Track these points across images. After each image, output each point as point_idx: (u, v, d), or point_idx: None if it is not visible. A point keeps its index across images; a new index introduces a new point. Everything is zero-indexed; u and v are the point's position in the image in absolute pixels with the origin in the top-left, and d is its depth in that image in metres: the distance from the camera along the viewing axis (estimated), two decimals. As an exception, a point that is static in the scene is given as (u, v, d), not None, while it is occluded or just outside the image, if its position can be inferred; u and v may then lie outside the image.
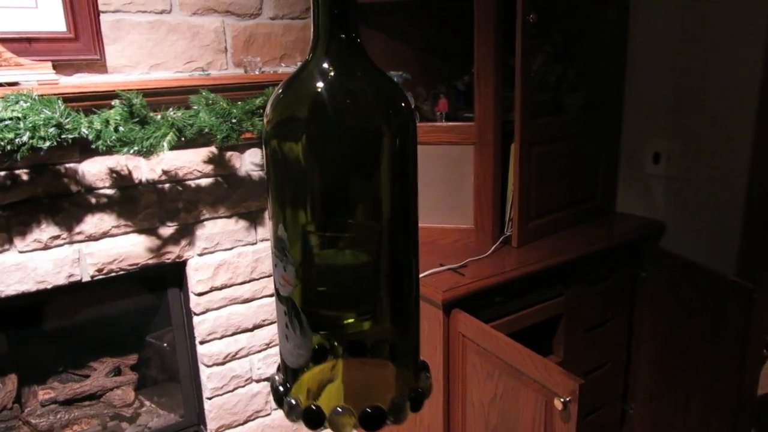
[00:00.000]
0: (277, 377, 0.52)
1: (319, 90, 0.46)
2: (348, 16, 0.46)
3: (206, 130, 1.47)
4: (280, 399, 0.50)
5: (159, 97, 1.47)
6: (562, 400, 1.27)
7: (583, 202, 2.02)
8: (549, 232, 1.90)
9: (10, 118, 1.25)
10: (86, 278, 1.64)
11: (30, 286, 1.56)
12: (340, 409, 0.47)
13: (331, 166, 0.47)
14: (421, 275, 1.63)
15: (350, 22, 0.47)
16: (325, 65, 0.46)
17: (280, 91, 0.47)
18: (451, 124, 1.79)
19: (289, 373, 0.51)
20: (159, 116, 1.42)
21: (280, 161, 0.47)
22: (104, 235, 1.63)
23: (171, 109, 1.44)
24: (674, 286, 1.90)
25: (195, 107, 1.47)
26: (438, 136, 1.79)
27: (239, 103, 1.53)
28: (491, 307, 1.65)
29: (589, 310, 1.89)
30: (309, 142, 0.45)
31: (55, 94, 1.32)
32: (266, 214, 1.83)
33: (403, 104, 0.48)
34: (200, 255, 1.80)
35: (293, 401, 0.49)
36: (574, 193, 1.98)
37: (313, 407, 0.47)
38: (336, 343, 0.50)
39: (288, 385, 0.51)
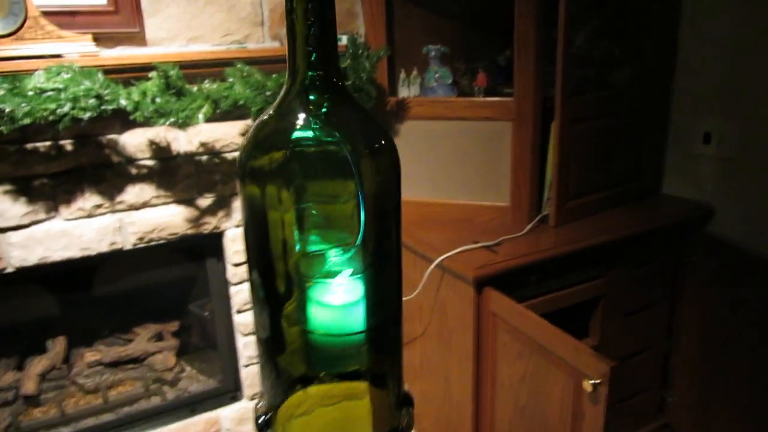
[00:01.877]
0: (258, 405, 0.51)
1: (299, 131, 0.44)
2: (329, 57, 0.44)
3: (241, 102, 1.48)
4: None
5: (195, 69, 1.49)
6: (591, 382, 1.24)
7: (626, 182, 1.95)
8: (589, 213, 1.84)
9: (52, 89, 1.29)
10: (128, 246, 1.70)
11: (75, 253, 1.63)
12: None
13: (313, 210, 0.45)
14: (453, 252, 1.62)
15: (331, 61, 0.44)
16: (304, 105, 0.44)
17: (260, 129, 0.45)
18: (489, 99, 1.75)
19: (269, 403, 0.49)
20: (195, 88, 1.44)
21: (257, 204, 0.45)
22: (144, 205, 1.68)
23: (207, 81, 1.46)
24: (722, 273, 1.81)
25: (230, 80, 1.49)
26: (475, 112, 1.75)
27: (274, 75, 1.54)
28: (526, 286, 1.62)
29: (630, 294, 1.83)
30: (290, 186, 0.43)
31: (95, 66, 1.35)
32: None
33: (383, 142, 0.45)
34: (237, 226, 1.83)
35: None
36: (617, 172, 1.91)
37: None
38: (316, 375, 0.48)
39: (268, 416, 0.49)
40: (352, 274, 0.46)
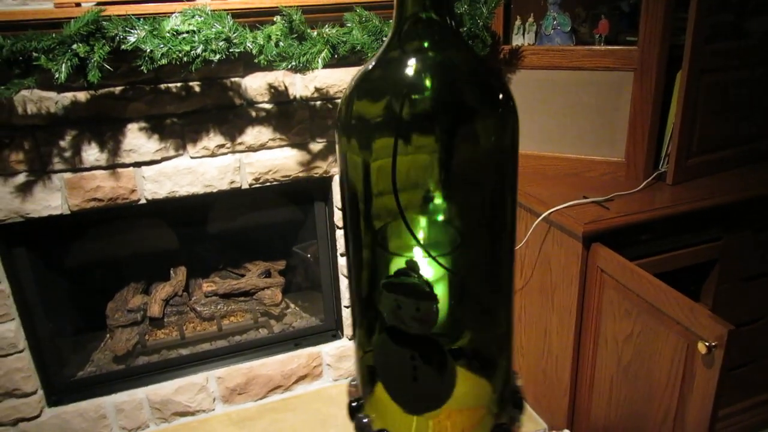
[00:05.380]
0: (365, 420, 0.47)
1: (411, 79, 0.38)
2: None
3: (358, 47, 1.50)
4: None
5: (317, 14, 1.52)
6: (707, 344, 1.20)
7: (756, 140, 1.81)
8: (710, 171, 1.74)
9: (187, 31, 1.36)
10: (245, 185, 1.80)
11: (198, 189, 1.75)
12: None
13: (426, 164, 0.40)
14: (561, 206, 1.59)
15: (446, 2, 0.38)
16: (415, 52, 0.39)
17: (365, 76, 0.40)
18: (609, 47, 1.67)
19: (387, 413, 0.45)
20: (315, 33, 1.47)
21: (356, 159, 0.40)
22: (261, 146, 1.77)
23: (327, 26, 1.49)
24: None
25: (348, 24, 1.51)
26: (594, 61, 1.68)
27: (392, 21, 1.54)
28: (636, 245, 1.57)
29: (750, 259, 1.73)
30: (396, 137, 0.39)
31: (225, 10, 1.42)
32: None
33: (501, 96, 0.40)
34: (345, 172, 1.88)
35: None
36: (747, 129, 1.78)
37: None
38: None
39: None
40: (449, 247, 0.42)
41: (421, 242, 0.42)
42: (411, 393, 0.43)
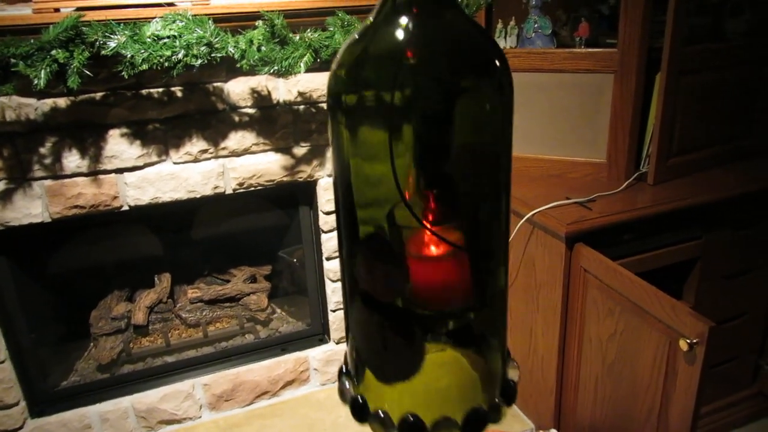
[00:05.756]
0: (347, 384, 0.47)
1: (403, 42, 0.38)
2: None
3: (340, 51, 1.50)
4: (363, 416, 0.45)
5: (299, 18, 1.53)
6: (688, 341, 1.22)
7: (734, 139, 1.84)
8: (690, 171, 1.77)
9: (168, 36, 1.36)
10: (229, 191, 1.79)
11: (182, 195, 1.74)
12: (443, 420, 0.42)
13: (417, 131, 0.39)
14: (545, 207, 1.60)
15: None
16: (407, 13, 0.38)
17: (357, 42, 0.39)
18: (590, 50, 1.69)
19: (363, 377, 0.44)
20: (297, 37, 1.48)
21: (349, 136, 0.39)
22: (245, 151, 1.76)
23: (309, 30, 1.49)
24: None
25: (331, 29, 1.51)
26: (575, 64, 1.70)
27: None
28: (619, 244, 1.59)
29: (730, 257, 1.75)
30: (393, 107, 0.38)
31: (206, 14, 1.41)
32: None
33: (497, 61, 0.39)
34: (330, 175, 1.89)
35: (382, 415, 0.43)
36: (725, 129, 1.81)
37: (411, 418, 0.42)
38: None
39: (363, 399, 0.44)
40: (451, 223, 0.42)
41: (419, 216, 0.41)
42: (381, 361, 0.43)
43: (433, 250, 0.42)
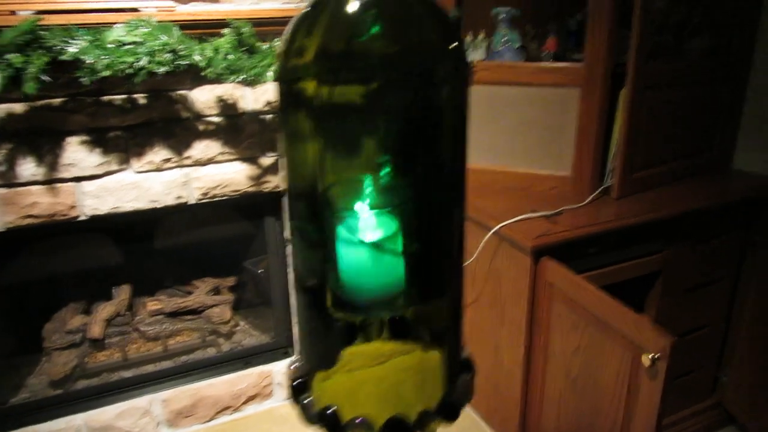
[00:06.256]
0: (293, 366, 0.47)
1: (356, 19, 0.37)
2: None
3: (309, 61, 1.49)
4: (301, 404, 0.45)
5: (267, 27, 1.50)
6: (650, 356, 1.23)
7: (695, 155, 1.89)
8: (654, 185, 1.80)
9: (131, 43, 1.32)
10: (192, 201, 1.75)
11: (144, 205, 1.69)
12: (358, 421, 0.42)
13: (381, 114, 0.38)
14: (511, 221, 1.61)
15: None
16: None
17: (308, 17, 0.38)
18: (556, 65, 1.71)
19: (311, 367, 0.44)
20: (265, 46, 1.45)
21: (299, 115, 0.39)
22: (210, 161, 1.72)
23: (277, 39, 1.47)
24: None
25: (299, 38, 1.49)
26: (541, 78, 1.71)
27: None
28: (584, 258, 1.60)
29: (690, 270, 1.79)
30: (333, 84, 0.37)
31: (171, 21, 1.38)
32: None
33: (454, 44, 0.40)
34: (296, 186, 1.86)
35: (308, 402, 0.44)
36: (687, 144, 1.85)
37: (329, 412, 0.42)
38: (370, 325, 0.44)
39: (306, 386, 0.44)
40: (390, 206, 0.41)
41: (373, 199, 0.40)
42: (310, 345, 0.44)
43: (367, 235, 0.41)
